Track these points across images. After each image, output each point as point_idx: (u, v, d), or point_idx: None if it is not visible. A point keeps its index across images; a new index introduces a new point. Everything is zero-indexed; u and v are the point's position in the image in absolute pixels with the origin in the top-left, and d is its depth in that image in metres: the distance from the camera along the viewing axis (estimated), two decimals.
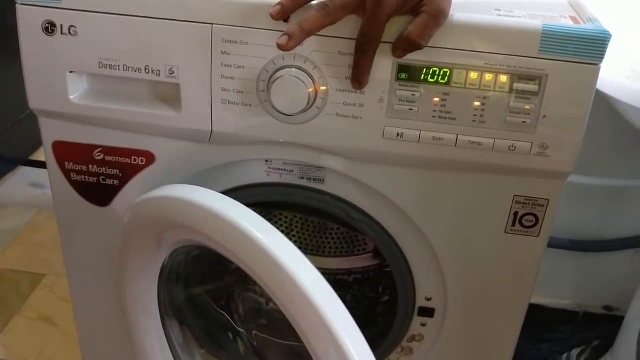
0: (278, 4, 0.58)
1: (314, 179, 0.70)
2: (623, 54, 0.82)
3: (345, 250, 0.90)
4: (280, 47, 0.58)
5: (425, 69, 0.61)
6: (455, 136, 0.63)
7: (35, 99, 0.68)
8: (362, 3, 0.57)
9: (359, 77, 0.60)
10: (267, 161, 0.70)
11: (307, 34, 0.58)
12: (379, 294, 0.91)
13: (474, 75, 0.60)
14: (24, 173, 1.68)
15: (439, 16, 0.57)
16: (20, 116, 1.60)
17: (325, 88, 0.62)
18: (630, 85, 0.79)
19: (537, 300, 1.21)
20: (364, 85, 0.61)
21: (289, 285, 0.55)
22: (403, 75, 0.61)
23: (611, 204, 1.14)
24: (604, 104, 0.87)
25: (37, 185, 1.65)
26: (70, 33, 0.63)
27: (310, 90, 0.61)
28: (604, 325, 1.20)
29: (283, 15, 0.58)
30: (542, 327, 1.21)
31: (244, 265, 0.59)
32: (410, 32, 0.57)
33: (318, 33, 0.58)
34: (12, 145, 1.65)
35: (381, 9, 0.56)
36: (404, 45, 0.58)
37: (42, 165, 1.57)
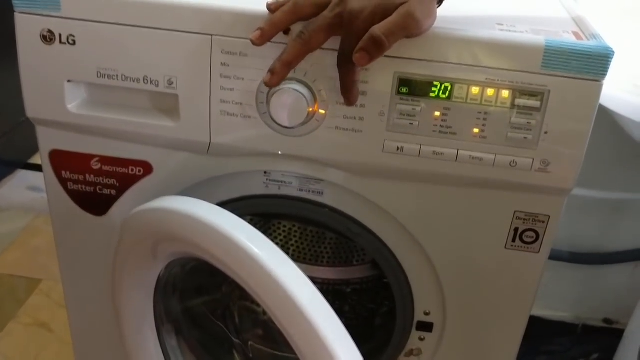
0: (258, 29, 0.58)
1: (313, 192, 0.69)
2: (625, 69, 0.81)
3: (344, 260, 0.90)
4: (266, 84, 0.59)
5: (426, 83, 0.60)
6: (456, 151, 0.62)
7: (33, 108, 0.67)
8: (337, 23, 0.56)
9: (346, 94, 0.60)
10: (265, 173, 0.69)
11: (289, 65, 0.58)
12: (378, 305, 0.90)
13: (475, 90, 0.60)
14: (23, 176, 1.68)
15: (407, 19, 0.55)
16: (19, 120, 1.59)
17: (325, 101, 0.62)
18: (632, 100, 0.79)
19: (536, 312, 1.20)
20: (354, 101, 0.60)
21: (283, 300, 0.55)
22: (404, 89, 0.61)
23: (612, 217, 1.13)
24: (606, 117, 0.87)
25: (35, 189, 1.65)
26: (68, 42, 0.63)
27: (310, 103, 0.61)
28: (604, 339, 1.19)
29: (263, 40, 0.58)
30: (541, 340, 1.20)
31: (239, 279, 0.58)
32: (373, 27, 0.55)
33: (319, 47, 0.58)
34: (11, 149, 1.65)
35: (356, 24, 0.55)
36: (366, 43, 0.54)
37: (40, 169, 1.56)
